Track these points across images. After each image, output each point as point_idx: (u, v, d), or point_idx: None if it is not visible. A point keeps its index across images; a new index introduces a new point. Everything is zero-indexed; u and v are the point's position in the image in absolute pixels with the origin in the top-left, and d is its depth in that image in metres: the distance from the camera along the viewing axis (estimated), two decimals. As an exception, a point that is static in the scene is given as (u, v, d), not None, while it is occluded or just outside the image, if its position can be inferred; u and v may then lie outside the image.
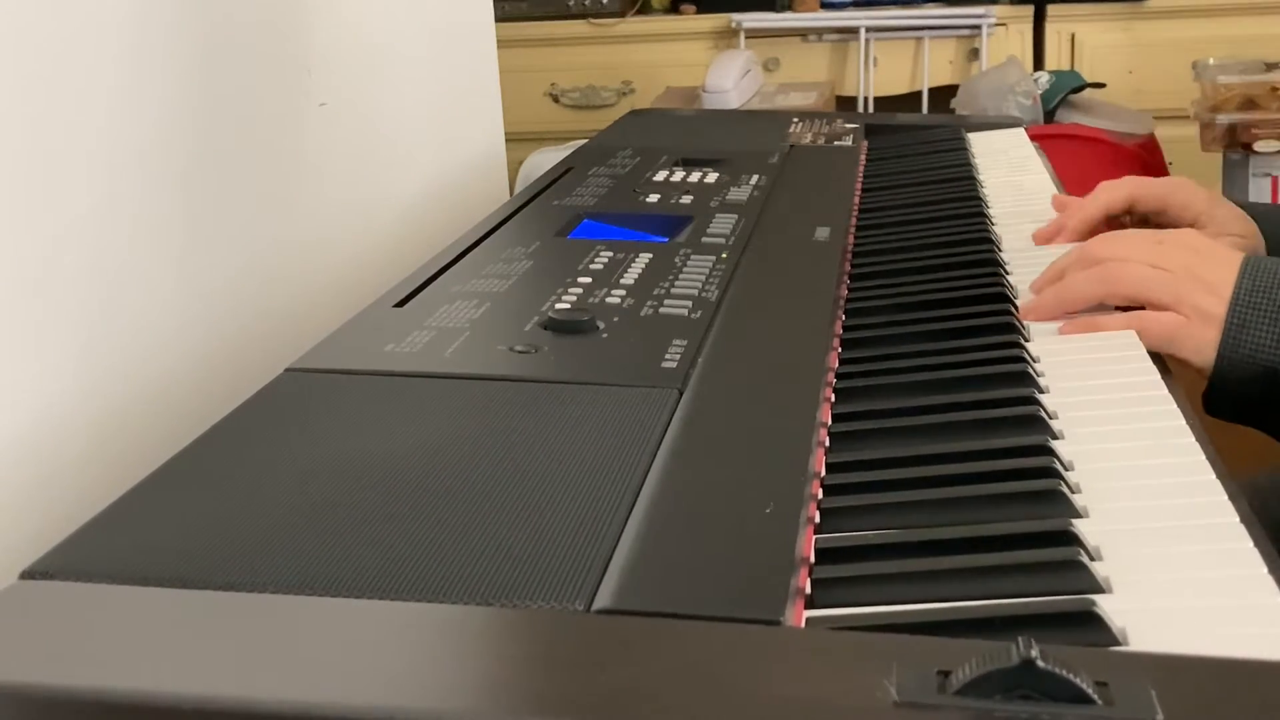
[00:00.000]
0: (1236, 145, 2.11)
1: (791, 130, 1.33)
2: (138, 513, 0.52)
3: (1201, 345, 0.74)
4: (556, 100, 2.84)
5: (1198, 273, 0.76)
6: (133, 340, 0.78)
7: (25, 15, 0.69)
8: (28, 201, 0.69)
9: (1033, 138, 1.33)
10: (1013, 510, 0.55)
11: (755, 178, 1.09)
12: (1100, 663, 0.38)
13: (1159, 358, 0.73)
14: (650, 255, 0.85)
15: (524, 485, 0.54)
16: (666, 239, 0.92)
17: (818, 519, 0.56)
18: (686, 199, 1.02)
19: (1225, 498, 0.55)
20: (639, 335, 0.71)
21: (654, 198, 1.03)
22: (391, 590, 0.46)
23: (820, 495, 0.57)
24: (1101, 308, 0.79)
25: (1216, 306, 0.74)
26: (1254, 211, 0.94)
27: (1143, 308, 0.77)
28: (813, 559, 0.52)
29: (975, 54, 2.68)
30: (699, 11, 2.81)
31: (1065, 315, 0.79)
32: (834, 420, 0.66)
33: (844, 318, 0.80)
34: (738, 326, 0.74)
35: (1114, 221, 0.96)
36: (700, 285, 0.79)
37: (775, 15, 2.75)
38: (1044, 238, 0.95)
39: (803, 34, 2.76)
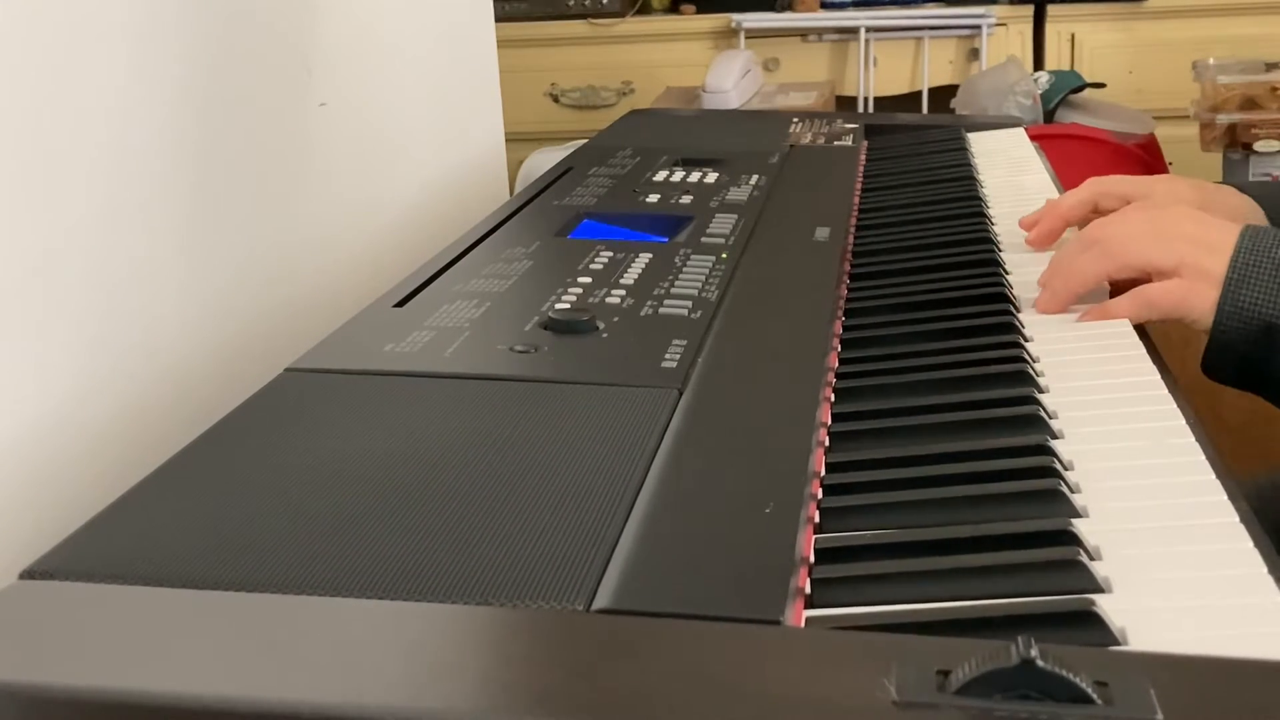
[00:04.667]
0: (1236, 145, 2.11)
1: (791, 130, 1.33)
2: (138, 512, 0.52)
3: (1206, 305, 0.74)
4: (556, 100, 2.84)
5: (1198, 236, 0.76)
6: (134, 340, 0.78)
7: (30, 16, 0.69)
8: (30, 201, 0.69)
9: (1033, 138, 1.33)
10: (1012, 510, 0.55)
11: (755, 178, 1.09)
12: (1100, 662, 0.38)
13: (1159, 356, 0.73)
14: (650, 255, 0.85)
15: (524, 485, 0.54)
16: (666, 239, 0.92)
17: (818, 519, 0.56)
18: (686, 199, 1.02)
19: (1225, 498, 0.55)
20: (639, 335, 0.71)
21: (654, 198, 1.02)
22: (391, 590, 0.46)
23: (820, 495, 0.57)
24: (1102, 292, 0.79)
25: (1218, 265, 0.74)
26: (1252, 191, 0.93)
27: (1147, 280, 0.77)
28: (812, 559, 0.52)
29: (975, 54, 2.68)
30: (699, 11, 2.81)
31: (1076, 300, 0.79)
32: (834, 420, 0.66)
33: (844, 318, 0.80)
34: (738, 326, 0.74)
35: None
36: (700, 285, 0.79)
37: (775, 15, 2.75)
38: (1028, 223, 0.96)
39: (803, 34, 2.76)
